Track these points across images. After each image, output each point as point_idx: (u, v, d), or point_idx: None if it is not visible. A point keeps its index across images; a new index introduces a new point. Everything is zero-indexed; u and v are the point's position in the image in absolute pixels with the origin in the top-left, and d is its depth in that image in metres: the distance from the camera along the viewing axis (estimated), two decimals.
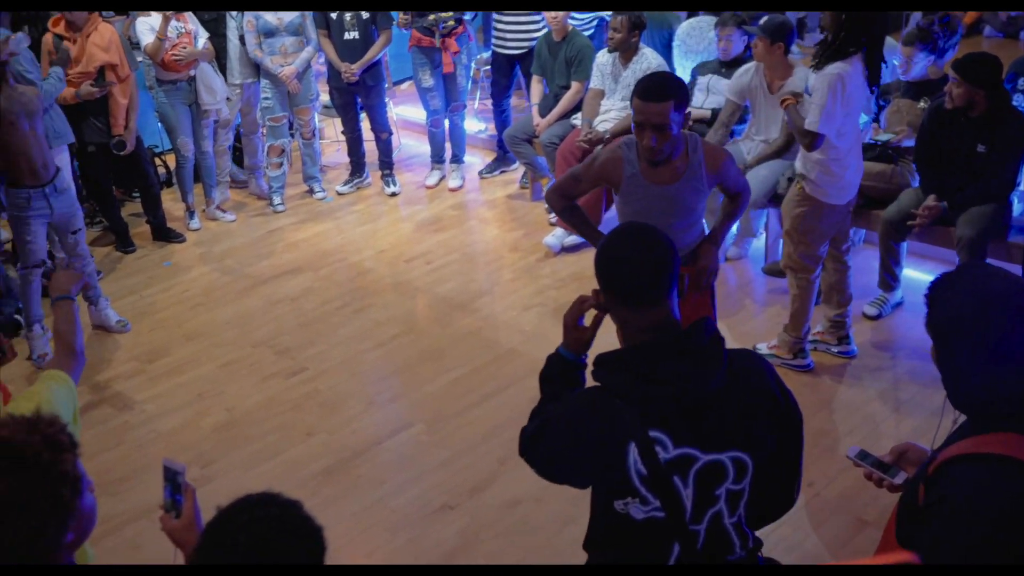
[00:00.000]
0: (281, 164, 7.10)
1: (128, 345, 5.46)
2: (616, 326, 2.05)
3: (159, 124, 6.94)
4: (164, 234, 6.74)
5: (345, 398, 4.83)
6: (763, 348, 4.84)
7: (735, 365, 1.98)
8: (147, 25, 6.28)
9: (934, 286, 1.86)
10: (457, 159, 7.40)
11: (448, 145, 7.43)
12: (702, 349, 1.93)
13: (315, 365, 5.11)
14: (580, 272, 5.85)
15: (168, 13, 6.13)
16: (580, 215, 3.86)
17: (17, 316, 5.50)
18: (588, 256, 5.98)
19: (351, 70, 6.70)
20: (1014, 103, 5.04)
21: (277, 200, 7.16)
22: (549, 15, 6.41)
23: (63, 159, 5.83)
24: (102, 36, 6.10)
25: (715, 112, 5.82)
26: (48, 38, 5.89)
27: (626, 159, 3.56)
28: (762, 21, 5.30)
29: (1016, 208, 5.03)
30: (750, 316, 5.30)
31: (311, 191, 7.31)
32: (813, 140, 4.19)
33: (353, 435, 4.52)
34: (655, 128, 3.36)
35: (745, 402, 1.97)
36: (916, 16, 9.71)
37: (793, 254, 4.55)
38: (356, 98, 7.05)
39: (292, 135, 7.23)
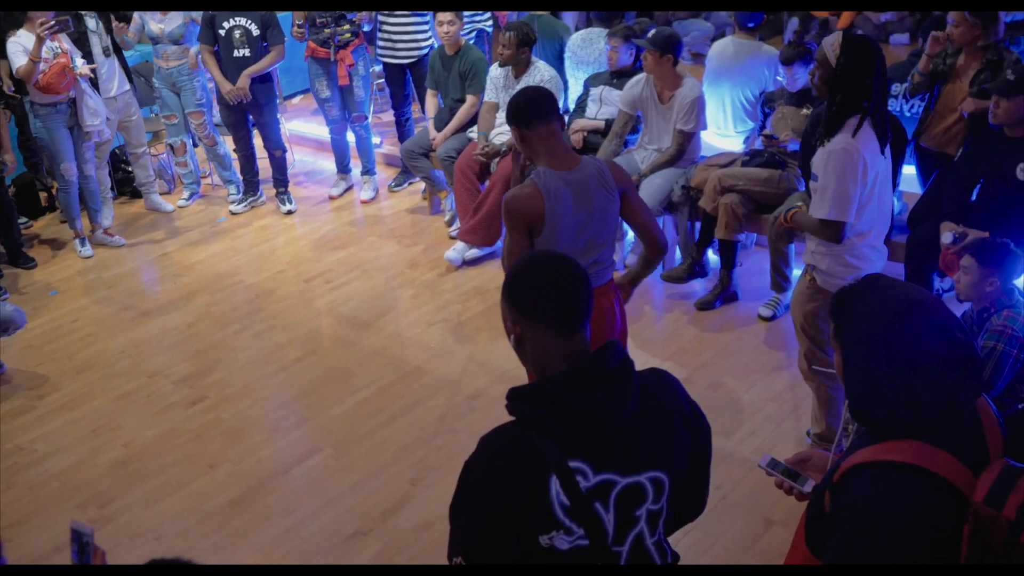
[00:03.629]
0: (187, 163, 7.31)
1: (14, 381, 5.24)
2: (528, 358, 2.02)
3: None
4: (16, 258, 6.53)
5: (249, 426, 4.73)
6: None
7: (646, 385, 1.99)
8: (19, 46, 6.03)
9: (838, 300, 1.91)
10: (368, 171, 7.34)
11: (357, 158, 7.41)
12: (615, 374, 1.93)
13: (215, 393, 4.99)
14: (482, 286, 5.85)
15: (42, 33, 5.90)
16: None
17: None
18: (490, 269, 6.02)
19: (235, 91, 6.62)
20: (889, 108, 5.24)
21: (185, 195, 7.43)
22: (440, 29, 6.40)
23: None
24: None
25: (608, 123, 5.90)
26: None
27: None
28: (650, 34, 5.40)
29: (895, 207, 5.22)
30: (651, 322, 5.38)
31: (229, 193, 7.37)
32: (837, 230, 3.52)
33: (259, 464, 4.43)
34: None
35: (659, 422, 1.98)
36: (793, 22, 10.03)
37: (810, 355, 3.93)
38: (247, 115, 6.93)
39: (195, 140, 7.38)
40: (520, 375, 4.75)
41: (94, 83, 6.49)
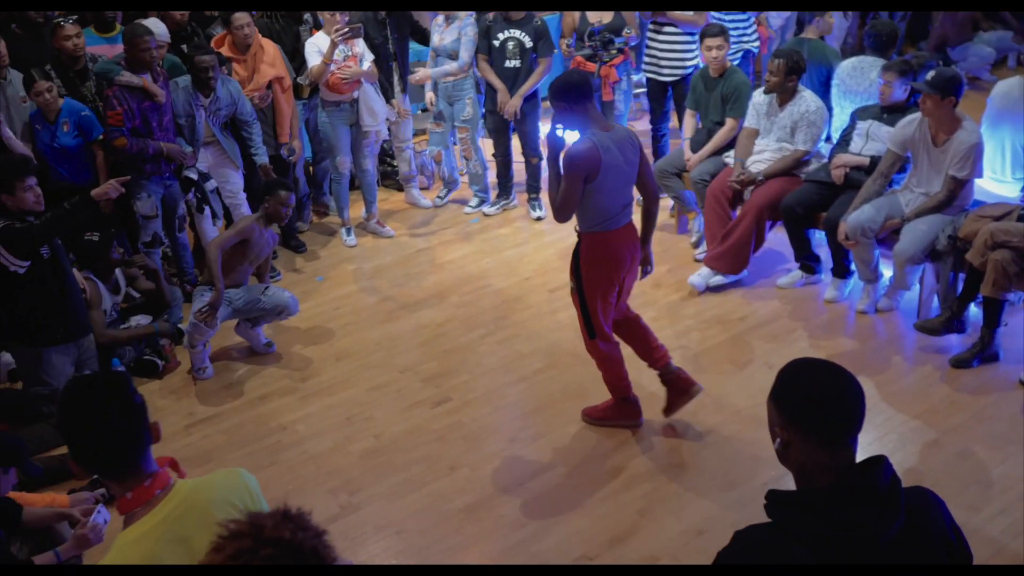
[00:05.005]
0: (444, 169, 7.62)
1: (283, 360, 5.71)
2: (792, 464, 2.02)
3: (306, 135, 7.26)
4: (288, 240, 7.03)
5: (488, 432, 4.95)
6: None
7: (911, 505, 1.96)
8: (315, 47, 6.55)
9: None
10: None
11: None
12: (883, 494, 1.91)
13: (459, 396, 5.25)
14: (724, 315, 5.82)
15: (336, 38, 6.37)
16: None
17: (180, 326, 5.83)
18: (734, 299, 5.98)
19: (511, 108, 6.88)
20: None
21: (443, 192, 7.76)
22: (709, 54, 6.36)
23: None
24: (267, 53, 6.46)
25: (874, 160, 5.70)
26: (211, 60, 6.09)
27: None
28: (930, 76, 5.17)
29: None
30: (899, 375, 5.17)
31: (481, 200, 7.65)
32: None
33: (496, 472, 4.63)
34: None
35: (921, 546, 1.95)
36: None
37: None
38: (509, 122, 7.17)
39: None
40: (758, 415, 4.73)
41: (386, 87, 6.96)
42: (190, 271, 6.44)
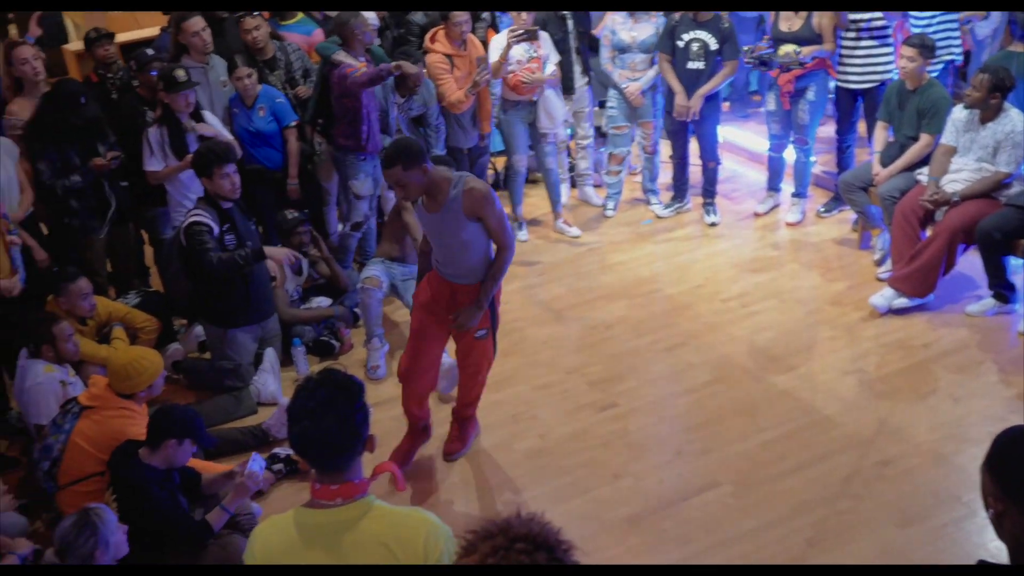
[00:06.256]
0: (619, 172, 7.44)
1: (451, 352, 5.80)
2: (1006, 536, 1.92)
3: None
4: None
5: (654, 443, 4.90)
6: None
7: None
8: (498, 45, 6.61)
9: None
10: (799, 194, 7.25)
11: (790, 177, 7.33)
12: None
13: (626, 402, 5.21)
14: (907, 340, 5.57)
15: (510, 40, 6.42)
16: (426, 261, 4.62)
17: (356, 310, 6.00)
18: (918, 323, 5.72)
19: (685, 110, 6.81)
20: None
21: (611, 205, 7.52)
22: (899, 63, 6.09)
23: None
24: (476, 45, 6.68)
25: None
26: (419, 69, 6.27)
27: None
28: None
29: None
30: None
31: (648, 202, 7.56)
32: None
33: (659, 485, 4.58)
34: (396, 186, 4.14)
35: None
36: None
37: None
38: (689, 125, 7.07)
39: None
40: (939, 450, 4.52)
41: (568, 84, 7.00)
42: (372, 254, 6.63)
